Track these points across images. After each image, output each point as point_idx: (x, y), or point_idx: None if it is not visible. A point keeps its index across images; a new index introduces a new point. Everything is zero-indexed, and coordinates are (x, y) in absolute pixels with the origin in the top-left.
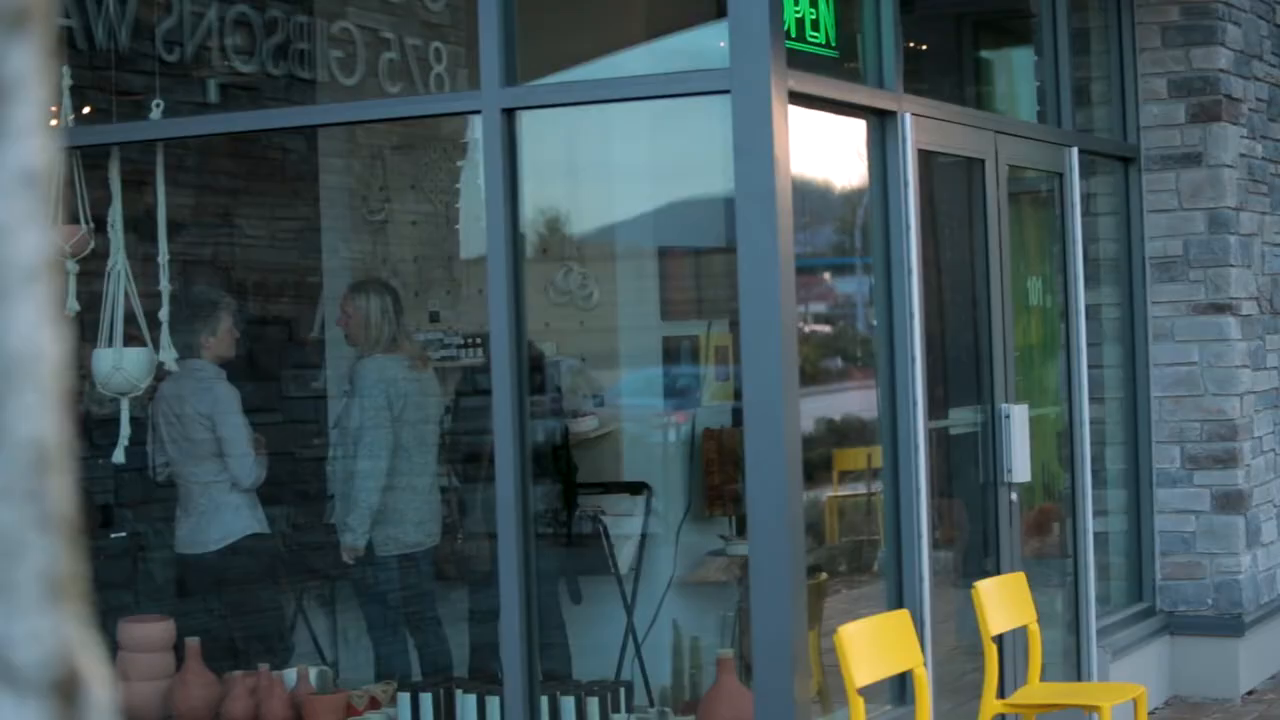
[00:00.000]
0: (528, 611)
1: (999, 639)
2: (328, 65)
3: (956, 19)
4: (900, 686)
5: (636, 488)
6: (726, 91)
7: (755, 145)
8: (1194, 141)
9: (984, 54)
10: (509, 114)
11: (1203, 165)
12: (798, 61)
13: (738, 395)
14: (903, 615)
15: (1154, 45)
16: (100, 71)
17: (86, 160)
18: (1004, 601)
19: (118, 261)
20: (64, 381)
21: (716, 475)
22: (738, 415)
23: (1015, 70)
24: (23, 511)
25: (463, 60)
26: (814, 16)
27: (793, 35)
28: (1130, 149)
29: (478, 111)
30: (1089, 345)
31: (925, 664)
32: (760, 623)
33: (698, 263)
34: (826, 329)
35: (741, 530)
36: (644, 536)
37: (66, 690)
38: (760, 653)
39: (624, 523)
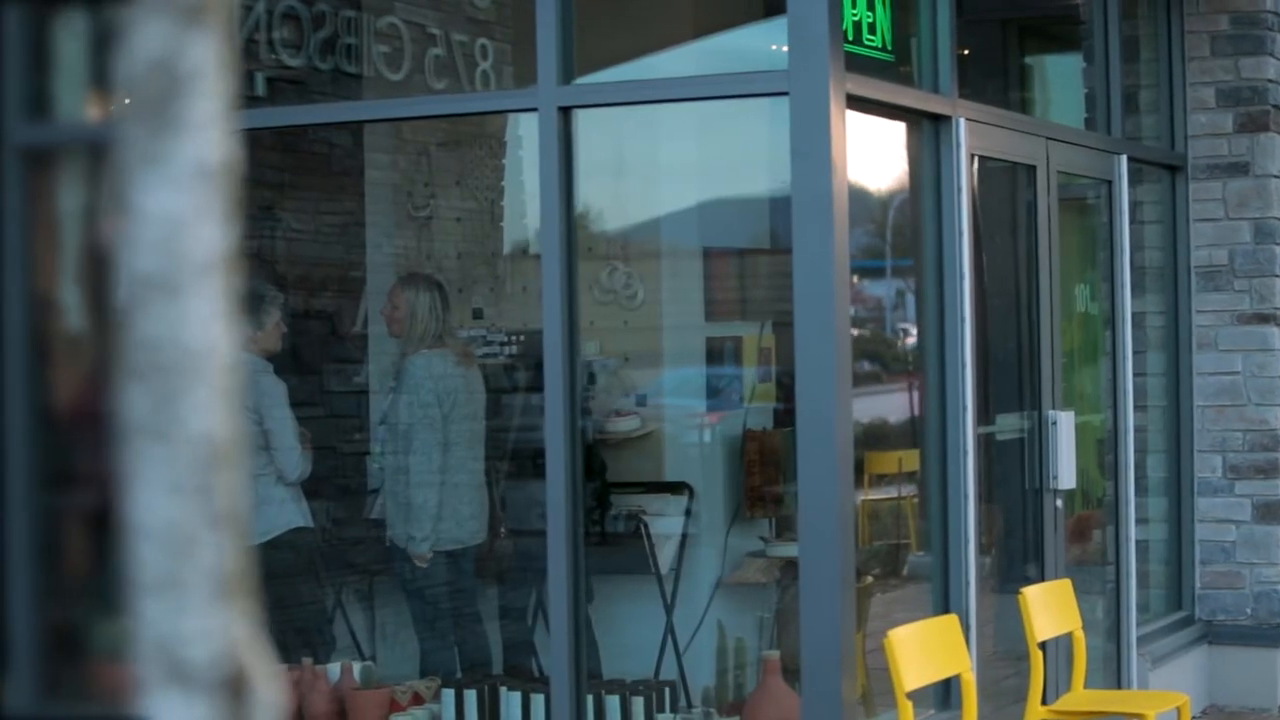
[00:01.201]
0: (576, 611)
1: (1041, 645)
2: (374, 60)
3: (1002, 24)
4: (944, 691)
5: (677, 488)
6: (785, 94)
7: (813, 148)
8: (1241, 151)
9: (1029, 59)
10: (565, 112)
11: (1249, 175)
12: (854, 65)
13: (779, 397)
14: (951, 620)
15: (1203, 54)
16: None
17: None
18: (1050, 608)
19: None
20: (235, 377)
21: (757, 477)
22: (779, 417)
23: (1061, 76)
24: (194, 508)
25: (508, 57)
26: (871, 20)
27: (850, 38)
28: (1177, 157)
29: (534, 109)
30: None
31: (971, 669)
32: (809, 624)
33: (742, 263)
34: (857, 332)
35: (781, 532)
36: (684, 536)
37: (234, 688)
38: (808, 654)
39: (664, 522)
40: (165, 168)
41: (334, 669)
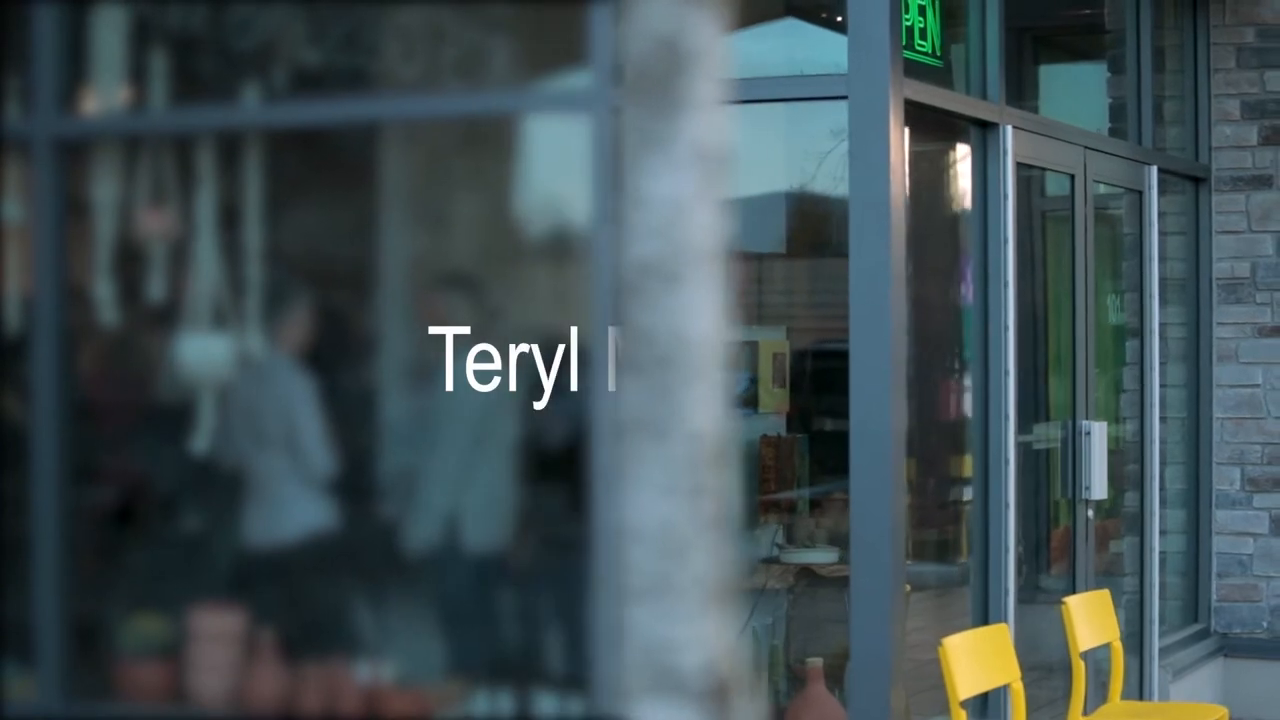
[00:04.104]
0: (618, 612)
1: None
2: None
3: (1017, 32)
4: (981, 701)
5: None
6: (843, 97)
7: (871, 153)
8: (1265, 164)
9: (1049, 68)
10: (618, 113)
11: (1273, 188)
12: (907, 70)
13: (793, 402)
14: (1001, 629)
15: (1228, 66)
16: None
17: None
18: (1089, 618)
19: None
20: (726, 373)
21: (772, 482)
22: (790, 422)
23: (1082, 86)
24: (687, 510)
25: (522, 56)
26: (922, 25)
27: (902, 43)
28: (1202, 169)
29: (587, 108)
30: None
31: (1020, 679)
32: (860, 634)
33: (760, 267)
34: None
35: (793, 538)
36: None
37: (720, 697)
38: (858, 664)
39: None
40: (667, 150)
41: (364, 669)
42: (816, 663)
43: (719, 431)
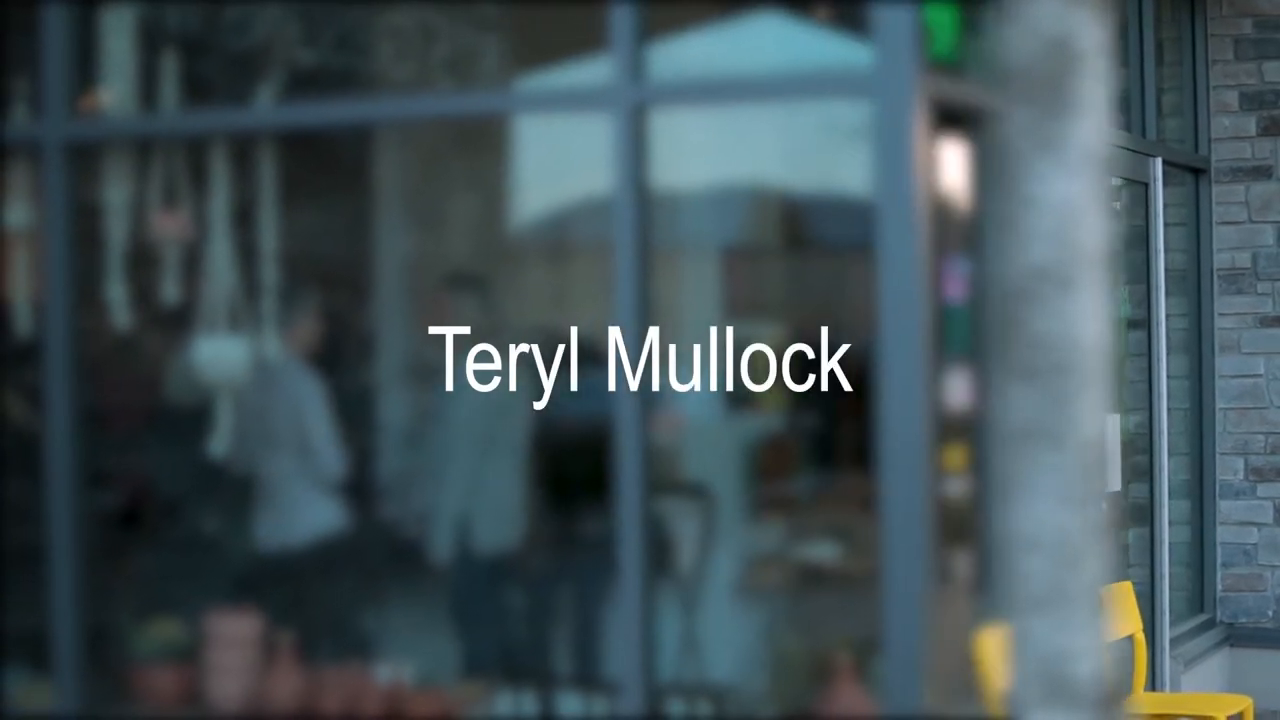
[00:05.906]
0: (647, 615)
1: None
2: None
3: None
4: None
5: (696, 489)
6: (866, 95)
7: (896, 151)
8: (1264, 154)
9: None
10: (640, 111)
11: (1272, 178)
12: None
13: (794, 398)
14: None
15: (1226, 58)
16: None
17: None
18: (1114, 610)
19: None
20: (1112, 379)
21: (775, 479)
22: (794, 418)
23: None
24: (1080, 518)
25: (513, 57)
26: (937, 20)
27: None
28: (1201, 160)
29: (605, 108)
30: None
31: None
32: (892, 634)
33: (761, 262)
34: None
35: (796, 535)
36: (703, 539)
37: (1110, 706)
38: (892, 664)
39: (682, 524)
40: (1059, 153)
41: (384, 671)
42: (846, 659)
43: (1105, 438)
